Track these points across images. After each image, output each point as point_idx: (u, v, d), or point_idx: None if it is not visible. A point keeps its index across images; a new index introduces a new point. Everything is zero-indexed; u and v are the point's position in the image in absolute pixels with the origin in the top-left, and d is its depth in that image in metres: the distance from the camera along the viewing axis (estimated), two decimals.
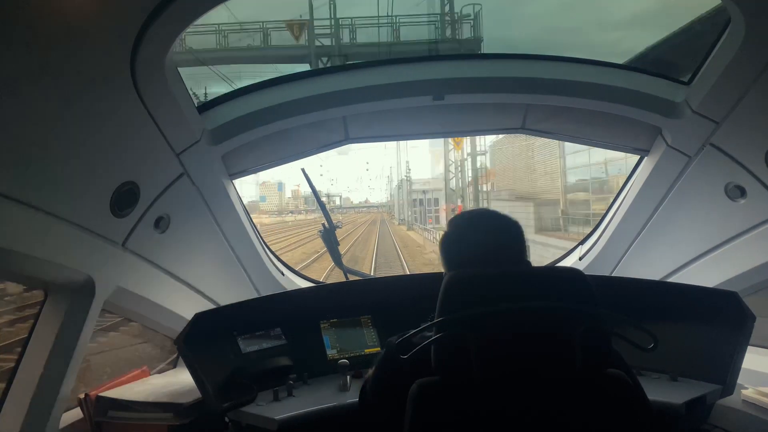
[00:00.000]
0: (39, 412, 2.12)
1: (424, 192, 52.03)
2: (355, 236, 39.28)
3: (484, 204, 27.10)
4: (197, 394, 2.43)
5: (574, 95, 2.67)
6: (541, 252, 16.97)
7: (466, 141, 28.91)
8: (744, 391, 2.31)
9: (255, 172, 3.04)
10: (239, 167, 2.91)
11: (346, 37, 22.12)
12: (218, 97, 2.65)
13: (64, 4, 1.45)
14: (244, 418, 2.32)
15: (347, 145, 3.06)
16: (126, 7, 1.62)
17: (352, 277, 3.37)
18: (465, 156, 31.41)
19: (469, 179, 30.33)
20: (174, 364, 3.19)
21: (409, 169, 56.74)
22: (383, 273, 17.74)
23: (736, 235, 2.69)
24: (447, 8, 22.41)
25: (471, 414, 1.35)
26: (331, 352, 2.84)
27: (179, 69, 2.17)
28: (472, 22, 22.10)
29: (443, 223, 34.97)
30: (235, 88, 2.77)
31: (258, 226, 3.43)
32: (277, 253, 3.70)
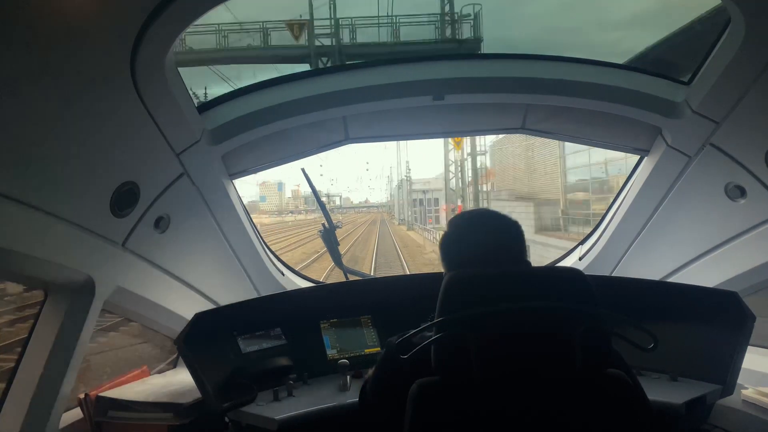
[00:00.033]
0: (39, 412, 2.12)
1: (424, 192, 52.06)
2: (355, 236, 39.30)
3: (484, 204, 27.10)
4: (197, 394, 2.43)
5: (574, 95, 2.67)
6: (541, 252, 16.98)
7: (466, 141, 28.90)
8: (744, 391, 2.31)
9: (255, 172, 3.04)
10: (239, 167, 2.91)
11: (346, 37, 22.13)
12: (218, 97, 2.65)
13: (64, 4, 1.45)
14: (244, 418, 2.32)
15: (347, 145, 3.05)
16: (126, 7, 1.62)
17: (352, 277, 3.37)
18: (465, 156, 31.41)
19: (469, 179, 30.32)
20: (174, 364, 3.19)
21: (409, 169, 56.82)
22: (383, 273, 17.74)
23: (736, 235, 2.69)
24: (447, 8, 22.41)
25: (471, 414, 1.35)
26: (331, 352, 2.84)
27: (179, 69, 2.17)
28: (472, 22, 22.12)
29: (443, 223, 34.99)
30: (235, 88, 2.77)
31: (258, 226, 3.43)
32: (277, 253, 3.70)
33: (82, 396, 2.58)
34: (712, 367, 2.37)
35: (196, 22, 1.92)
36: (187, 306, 2.84)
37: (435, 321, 1.40)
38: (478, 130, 3.59)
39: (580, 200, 20.42)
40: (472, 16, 22.10)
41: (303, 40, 21.67)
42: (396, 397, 1.46)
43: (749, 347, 2.33)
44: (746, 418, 2.23)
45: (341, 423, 2.32)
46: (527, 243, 1.69)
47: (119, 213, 2.18)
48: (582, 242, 3.66)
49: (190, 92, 2.40)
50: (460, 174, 33.45)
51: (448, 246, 1.72)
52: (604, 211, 3.53)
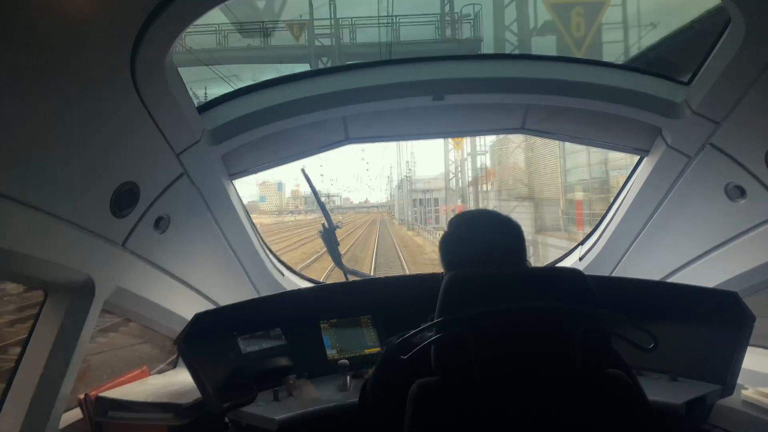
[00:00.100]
0: (39, 412, 2.12)
1: (424, 192, 52.03)
2: (355, 236, 39.28)
3: (484, 204, 27.09)
4: (197, 395, 2.43)
5: (574, 95, 2.67)
6: (541, 252, 16.97)
7: (466, 141, 28.92)
8: (744, 391, 2.31)
9: (255, 172, 3.04)
10: (239, 167, 2.91)
11: (346, 37, 22.12)
12: (218, 97, 2.65)
13: (64, 4, 1.45)
14: (244, 418, 2.32)
15: (347, 145, 3.05)
16: (126, 7, 1.62)
17: (352, 277, 3.36)
18: (465, 156, 31.43)
19: (469, 179, 30.33)
20: (174, 365, 3.19)
21: (410, 169, 56.74)
22: (383, 273, 17.75)
23: (736, 235, 2.68)
24: (447, 8, 22.40)
25: (471, 414, 1.35)
26: (331, 352, 2.84)
27: (179, 69, 2.17)
28: (472, 22, 22.10)
29: (443, 223, 34.97)
30: (235, 88, 2.77)
31: (258, 226, 3.43)
32: (277, 253, 3.70)
33: (82, 396, 2.58)
34: (712, 367, 2.37)
35: (196, 22, 1.92)
36: (187, 306, 2.84)
37: (435, 321, 1.40)
38: (478, 130, 3.60)
39: (580, 200, 20.40)
40: (472, 16, 22.11)
41: (303, 40, 21.67)
42: (396, 397, 1.46)
43: (749, 347, 2.33)
44: (746, 419, 2.23)
45: (341, 423, 2.32)
46: (527, 243, 1.69)
47: (119, 213, 2.17)
48: (582, 242, 3.66)
49: (190, 92, 2.40)
50: (460, 174, 33.49)
51: (448, 246, 1.72)
52: (604, 211, 3.53)
